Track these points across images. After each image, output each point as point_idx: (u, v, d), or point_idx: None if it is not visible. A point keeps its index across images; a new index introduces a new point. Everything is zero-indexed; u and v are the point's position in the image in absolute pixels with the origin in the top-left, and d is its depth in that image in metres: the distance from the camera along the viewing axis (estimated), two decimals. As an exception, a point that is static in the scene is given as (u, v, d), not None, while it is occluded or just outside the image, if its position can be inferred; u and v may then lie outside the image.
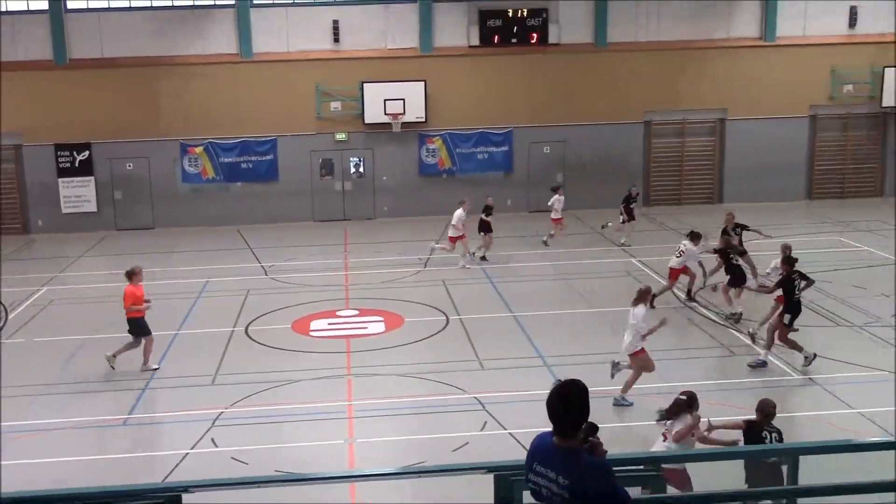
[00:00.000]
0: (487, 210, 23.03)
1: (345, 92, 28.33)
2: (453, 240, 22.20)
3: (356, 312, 18.71)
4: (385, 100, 28.06)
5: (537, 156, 29.26)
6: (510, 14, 28.48)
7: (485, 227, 22.78)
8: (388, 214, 28.95)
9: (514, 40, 28.56)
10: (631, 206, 24.24)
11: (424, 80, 28.21)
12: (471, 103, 28.77)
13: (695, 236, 18.65)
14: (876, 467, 10.53)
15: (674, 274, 18.66)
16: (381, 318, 18.22)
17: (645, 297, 13.83)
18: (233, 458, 12.03)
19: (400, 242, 25.29)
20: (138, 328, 15.56)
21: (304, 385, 14.80)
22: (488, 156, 29.05)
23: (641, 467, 6.11)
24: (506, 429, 12.74)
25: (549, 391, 5.15)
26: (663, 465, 9.92)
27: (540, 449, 5.30)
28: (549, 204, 24.45)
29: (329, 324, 18.05)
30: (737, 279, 17.61)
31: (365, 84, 28.06)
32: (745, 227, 19.96)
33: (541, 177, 29.24)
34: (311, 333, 17.46)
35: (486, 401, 13.79)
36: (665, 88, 29.23)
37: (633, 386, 13.64)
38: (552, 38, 28.66)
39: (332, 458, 12.09)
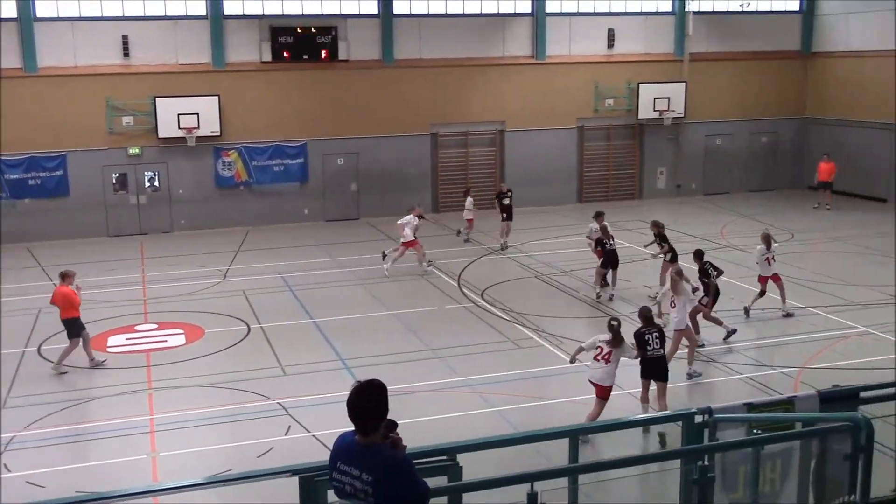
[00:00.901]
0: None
1: (136, 106, 27.08)
2: (406, 245, 21.69)
3: (155, 326, 17.90)
4: (178, 114, 27.06)
5: (332, 167, 29.14)
6: (300, 31, 28.21)
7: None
8: (185, 227, 27.93)
9: (305, 56, 28.30)
10: (504, 203, 24.52)
11: (218, 95, 27.44)
12: (265, 117, 28.27)
13: (598, 214, 20.32)
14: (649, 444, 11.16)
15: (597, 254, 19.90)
16: (182, 331, 17.53)
17: (681, 274, 14.61)
18: (28, 482, 11.19)
19: (198, 255, 24.46)
20: (75, 328, 15.22)
21: (104, 402, 14.00)
22: (284, 168, 28.63)
23: (444, 457, 6.19)
24: (309, 431, 12.57)
25: (349, 392, 5.12)
26: (596, 382, 12.09)
27: (343, 448, 5.26)
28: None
29: (128, 339, 17.17)
30: (610, 262, 19.16)
31: (157, 98, 26.94)
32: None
33: (335, 187, 29.16)
34: (109, 349, 16.54)
35: (290, 405, 13.56)
36: (449, 102, 29.88)
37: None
38: (342, 55, 28.64)
39: (136, 473, 11.49)
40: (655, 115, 31.49)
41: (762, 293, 17.78)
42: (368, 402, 5.09)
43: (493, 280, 20.94)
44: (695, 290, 15.69)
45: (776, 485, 7.60)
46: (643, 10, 31.75)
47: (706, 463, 6.54)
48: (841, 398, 8.39)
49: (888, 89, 30.24)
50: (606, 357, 12.12)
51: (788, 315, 17.60)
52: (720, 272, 16.48)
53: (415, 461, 5.30)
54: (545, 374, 14.94)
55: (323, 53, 28.43)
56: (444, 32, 29.73)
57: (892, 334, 16.44)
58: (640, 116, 31.55)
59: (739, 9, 32.58)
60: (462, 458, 6.30)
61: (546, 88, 30.67)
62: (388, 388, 5.19)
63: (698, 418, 7.64)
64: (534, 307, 18.71)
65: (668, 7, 31.97)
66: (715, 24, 32.51)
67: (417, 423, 12.23)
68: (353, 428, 5.17)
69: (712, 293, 16.24)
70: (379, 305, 19.08)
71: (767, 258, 17.75)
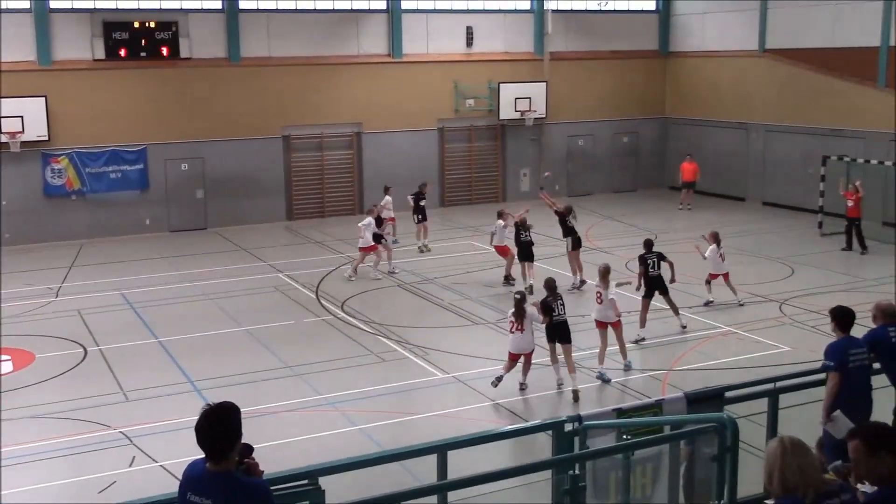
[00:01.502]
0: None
1: (-49, 109, 25.58)
2: (364, 250, 21.72)
3: (-22, 352, 16.93)
4: (0, 117, 25.73)
5: (175, 173, 28.35)
6: (137, 26, 27.34)
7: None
8: (10, 242, 26.49)
9: (143, 54, 27.44)
10: (422, 204, 24.49)
11: (45, 96, 26.24)
12: (100, 120, 27.22)
13: (501, 214, 21.31)
14: (509, 454, 11.35)
15: (503, 251, 20.95)
16: (9, 357, 16.63)
17: (608, 273, 15.30)
18: None
19: (26, 272, 23.28)
20: None
21: (-82, 440, 13.11)
22: (122, 174, 27.64)
23: (305, 482, 6.10)
24: (156, 461, 12.15)
25: (199, 416, 4.98)
26: (514, 352, 14.12)
27: (193, 477, 5.12)
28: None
29: (-55, 368, 16.17)
30: (525, 255, 20.51)
31: (-25, 100, 25.53)
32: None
33: (180, 195, 28.39)
34: (-76, 380, 15.52)
35: (134, 434, 13.09)
36: (302, 103, 29.61)
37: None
38: (184, 53, 27.93)
39: (-42, 517, 10.81)
40: (517, 115, 32.17)
41: (708, 281, 19.13)
42: (219, 426, 4.98)
43: (353, 290, 20.86)
44: (619, 284, 16.22)
45: (647, 489, 7.87)
46: (502, 8, 32.42)
47: (577, 472, 6.69)
48: (707, 399, 8.77)
49: (743, 89, 31.97)
50: (518, 328, 14.05)
51: (742, 305, 18.98)
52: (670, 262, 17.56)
53: (273, 487, 5.21)
54: (412, 387, 14.98)
55: (163, 51, 27.66)
56: (294, 29, 29.46)
57: (755, 332, 17.33)
58: (501, 117, 32.16)
59: (597, 7, 33.75)
60: (324, 482, 6.23)
61: (404, 88, 30.83)
62: (243, 409, 5.09)
63: (568, 426, 7.82)
64: (398, 318, 18.75)
65: (526, 5, 32.75)
66: (574, 22, 33.52)
67: (275, 447, 12.04)
68: (203, 455, 5.04)
69: (645, 283, 17.22)
70: (231, 321, 18.68)
71: (721, 255, 18.97)
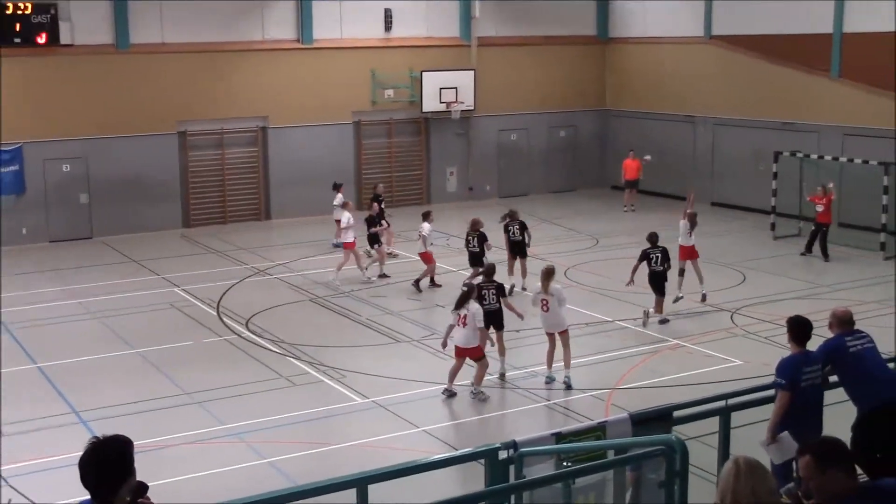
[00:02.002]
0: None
1: None
2: (347, 246, 22.62)
3: None
4: None
5: (56, 175, 27.77)
6: (10, 9, 26.72)
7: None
8: None
9: (17, 40, 26.83)
10: (382, 208, 24.46)
11: None
12: (-35, 115, 26.54)
13: (426, 215, 22.25)
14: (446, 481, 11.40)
15: (427, 258, 21.78)
16: None
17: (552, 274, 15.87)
18: None
19: None
20: None
21: None
22: (-8, 177, 27.00)
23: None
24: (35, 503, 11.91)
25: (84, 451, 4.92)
26: (459, 346, 14.94)
27: (78, 522, 5.04)
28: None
29: None
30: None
31: None
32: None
33: (61, 199, 27.82)
34: None
35: (9, 473, 12.79)
36: (200, 95, 29.29)
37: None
38: (64, 38, 27.39)
39: None
40: (442, 107, 32.33)
41: (682, 272, 19.79)
42: (107, 462, 4.92)
43: (258, 306, 20.70)
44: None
45: (590, 520, 7.96)
46: (424, -11, 32.59)
47: (513, 504, 6.75)
48: (654, 420, 8.92)
49: (689, 79, 32.62)
50: (463, 321, 14.98)
51: (704, 298, 19.82)
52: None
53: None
54: (327, 414, 14.94)
55: (41, 36, 27.10)
56: (191, 13, 29.13)
57: (705, 346, 17.69)
58: (424, 109, 32.27)
59: (530, -12, 34.16)
60: (229, 523, 6.18)
61: (315, 78, 30.74)
62: (135, 443, 5.05)
63: (502, 454, 7.87)
64: (310, 336, 18.67)
65: (451, -15, 32.98)
66: (504, 5, 33.85)
67: (173, 484, 11.91)
68: (90, 495, 4.96)
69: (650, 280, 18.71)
70: (121, 343, 18.39)
71: (690, 232, 19.82)
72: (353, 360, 17.33)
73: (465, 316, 14.95)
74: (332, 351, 17.85)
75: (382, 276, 22.92)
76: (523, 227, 21.50)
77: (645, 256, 18.73)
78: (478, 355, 15.10)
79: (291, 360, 17.40)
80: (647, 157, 31.60)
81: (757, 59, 30.46)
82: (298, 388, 16.06)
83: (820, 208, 24.32)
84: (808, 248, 24.57)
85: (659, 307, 18.94)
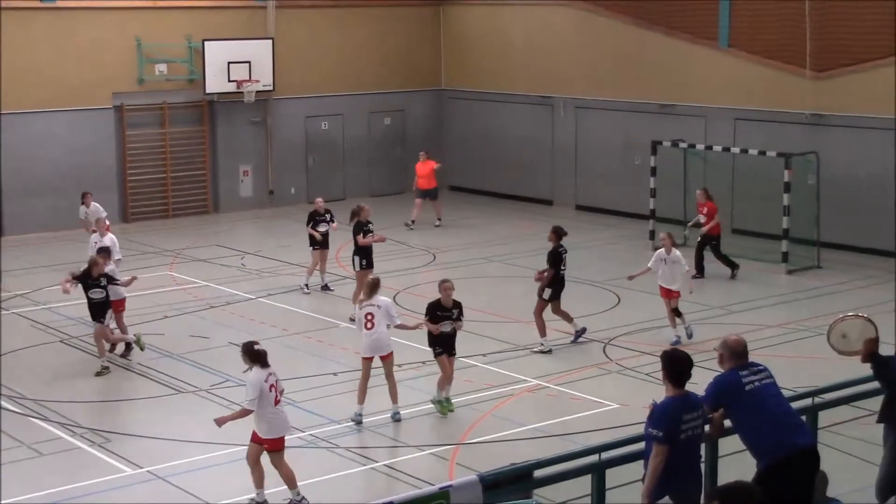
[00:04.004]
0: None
1: None
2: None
3: None
4: None
5: None
6: None
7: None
8: None
9: None
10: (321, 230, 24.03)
11: None
12: None
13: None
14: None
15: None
16: None
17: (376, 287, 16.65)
18: None
19: None
20: None
21: None
22: None
23: None
24: None
25: None
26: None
27: None
28: None
29: None
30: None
31: None
32: None
33: None
34: None
35: None
36: None
37: None
38: None
39: None
40: (232, 87, 32.12)
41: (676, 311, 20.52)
42: None
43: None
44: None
45: None
46: (203, -66, 32.37)
47: None
48: (510, 481, 9.13)
49: (545, 51, 33.33)
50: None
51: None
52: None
53: None
54: (87, 491, 14.60)
55: None
56: None
57: (571, 386, 18.12)
58: (209, 90, 32.01)
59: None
60: None
61: (61, 48, 30.11)
62: None
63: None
64: (62, 389, 18.21)
65: (241, -72, 32.88)
66: (310, -46, 33.92)
67: None
68: None
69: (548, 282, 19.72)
70: None
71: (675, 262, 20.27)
72: (121, 418, 17.04)
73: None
74: (92, 408, 17.48)
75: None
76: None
77: (557, 258, 19.93)
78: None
79: (37, 421, 16.97)
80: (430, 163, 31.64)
81: (628, 25, 31.36)
82: (46, 458, 15.66)
83: (702, 219, 24.93)
84: (699, 269, 24.63)
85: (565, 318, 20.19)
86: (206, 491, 14.40)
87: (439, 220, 31.22)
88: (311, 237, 23.75)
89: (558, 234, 20.13)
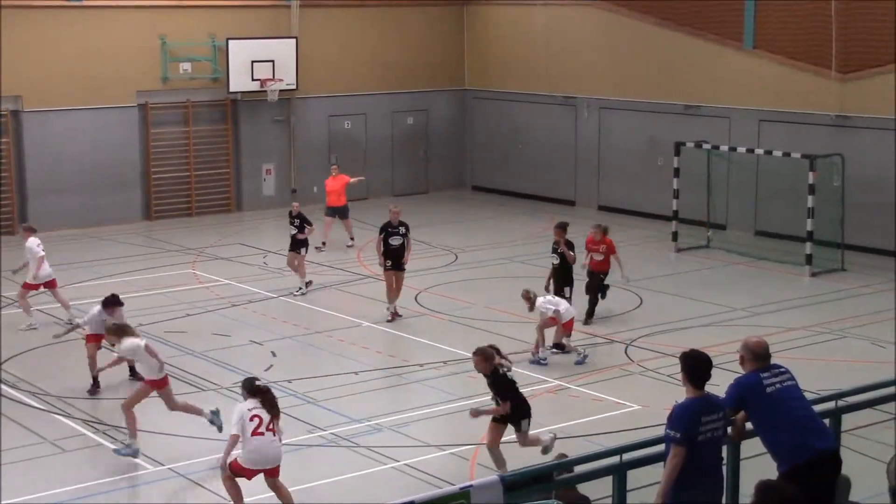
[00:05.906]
0: None
1: None
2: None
3: None
4: None
5: None
6: None
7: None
8: None
9: None
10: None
11: None
12: None
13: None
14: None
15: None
16: None
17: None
18: None
19: None
20: None
21: None
22: None
23: None
24: None
25: None
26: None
27: None
28: None
29: None
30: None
31: None
32: None
33: None
34: None
35: None
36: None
37: None
38: None
39: None
40: (255, 85, 32.18)
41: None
42: None
43: (11, 350, 20.15)
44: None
45: None
46: (230, -68, 32.46)
47: None
48: (531, 482, 9.12)
49: (568, 52, 33.29)
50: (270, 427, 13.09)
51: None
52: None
53: None
54: (110, 487, 14.65)
55: None
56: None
57: (593, 387, 18.09)
58: (232, 89, 32.07)
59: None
60: None
61: (86, 46, 30.19)
62: None
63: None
64: (83, 386, 18.25)
65: (265, -73, 32.94)
66: (334, -46, 33.97)
67: None
68: None
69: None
70: None
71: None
72: (142, 415, 17.08)
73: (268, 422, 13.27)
74: (114, 405, 17.52)
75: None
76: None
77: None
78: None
79: (60, 417, 17.03)
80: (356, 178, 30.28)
81: (652, 25, 31.30)
82: (69, 454, 15.73)
83: (599, 257, 21.84)
84: (590, 314, 21.80)
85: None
86: (223, 489, 14.42)
87: (352, 240, 28.72)
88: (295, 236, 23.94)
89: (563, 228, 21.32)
